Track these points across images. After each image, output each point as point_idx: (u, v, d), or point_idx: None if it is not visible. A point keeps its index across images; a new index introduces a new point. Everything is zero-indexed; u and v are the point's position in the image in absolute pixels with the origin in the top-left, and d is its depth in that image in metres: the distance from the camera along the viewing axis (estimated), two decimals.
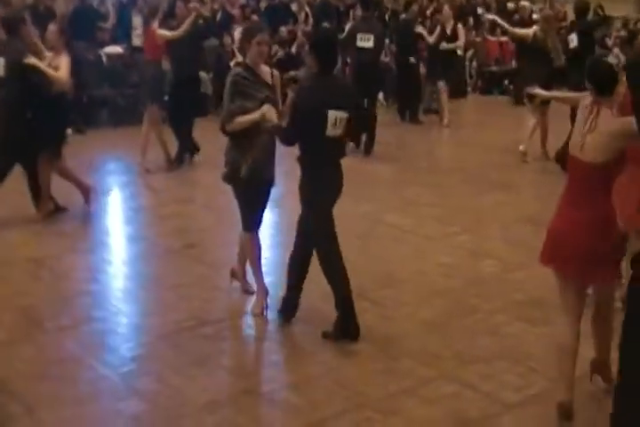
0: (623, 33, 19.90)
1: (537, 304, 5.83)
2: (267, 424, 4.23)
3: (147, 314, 5.66)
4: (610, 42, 19.47)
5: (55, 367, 4.78)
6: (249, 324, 5.47)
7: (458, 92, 15.70)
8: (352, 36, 11.03)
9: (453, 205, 8.41)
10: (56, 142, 7.66)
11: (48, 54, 7.50)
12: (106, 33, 13.51)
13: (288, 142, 5.14)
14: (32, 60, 7.25)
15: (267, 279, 5.73)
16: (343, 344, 5.12)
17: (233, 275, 5.93)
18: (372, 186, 9.36)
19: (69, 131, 11.74)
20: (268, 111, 5.14)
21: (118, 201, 8.22)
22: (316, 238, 5.24)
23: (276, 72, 5.55)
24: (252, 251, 5.61)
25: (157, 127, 9.71)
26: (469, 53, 17.08)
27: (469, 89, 16.78)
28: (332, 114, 4.94)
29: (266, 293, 5.61)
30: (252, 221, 5.51)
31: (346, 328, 5.15)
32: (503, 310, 5.68)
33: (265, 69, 5.44)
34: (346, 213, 8.26)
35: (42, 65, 7.30)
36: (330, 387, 4.60)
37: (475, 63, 17.14)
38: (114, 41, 13.61)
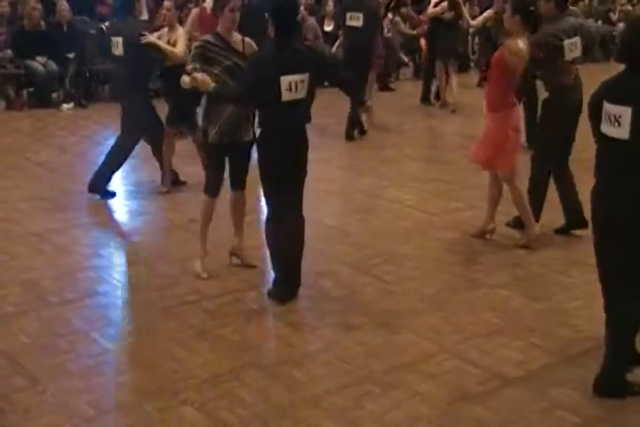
0: (628, 7, 19.78)
1: (538, 280, 5.86)
2: (268, 398, 4.26)
3: (150, 288, 5.68)
4: (614, 17, 19.37)
5: (59, 341, 4.81)
6: (251, 298, 5.48)
7: (460, 67, 15.62)
8: (342, 15, 10.50)
9: (456, 181, 8.40)
10: (189, 117, 7.71)
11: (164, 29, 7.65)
12: (107, 7, 13.43)
13: (239, 103, 5.33)
14: (149, 38, 7.32)
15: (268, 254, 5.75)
16: (344, 319, 5.15)
17: (232, 253, 5.96)
18: (373, 162, 9.35)
19: (71, 105, 11.84)
20: (200, 77, 5.19)
21: (120, 175, 8.20)
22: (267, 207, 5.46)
23: (248, 40, 5.65)
24: (201, 213, 5.80)
25: None
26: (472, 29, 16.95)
27: (472, 64, 16.68)
28: (286, 79, 5.04)
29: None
30: (208, 184, 5.73)
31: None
32: (505, 286, 5.70)
33: (237, 37, 5.57)
34: (347, 189, 8.32)
35: (159, 42, 7.39)
36: (331, 361, 4.63)
37: (477, 38, 17.03)
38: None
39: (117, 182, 7.96)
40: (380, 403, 4.17)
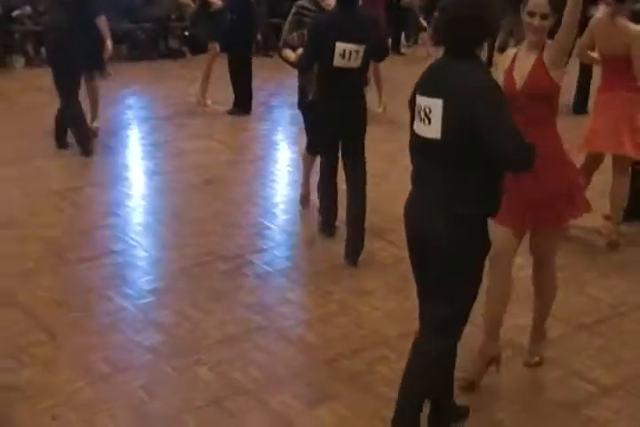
0: None
1: None
2: (282, 360, 4.29)
3: (165, 248, 5.72)
4: None
5: (76, 298, 4.86)
6: (266, 260, 5.50)
7: None
8: None
9: None
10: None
11: None
12: None
13: (302, 66, 5.47)
14: None
15: (284, 217, 5.76)
16: (359, 283, 5.16)
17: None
18: (391, 127, 9.29)
19: None
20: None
21: (137, 136, 8.21)
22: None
23: None
24: (304, 169, 6.39)
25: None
26: None
27: None
28: (341, 46, 5.05)
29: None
30: (309, 144, 6.08)
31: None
32: (520, 254, 5.65)
33: (331, 0, 5.57)
34: (365, 154, 8.25)
35: None
36: (345, 325, 4.65)
37: None
38: None
39: (136, 142, 7.96)
40: (393, 368, 4.17)
